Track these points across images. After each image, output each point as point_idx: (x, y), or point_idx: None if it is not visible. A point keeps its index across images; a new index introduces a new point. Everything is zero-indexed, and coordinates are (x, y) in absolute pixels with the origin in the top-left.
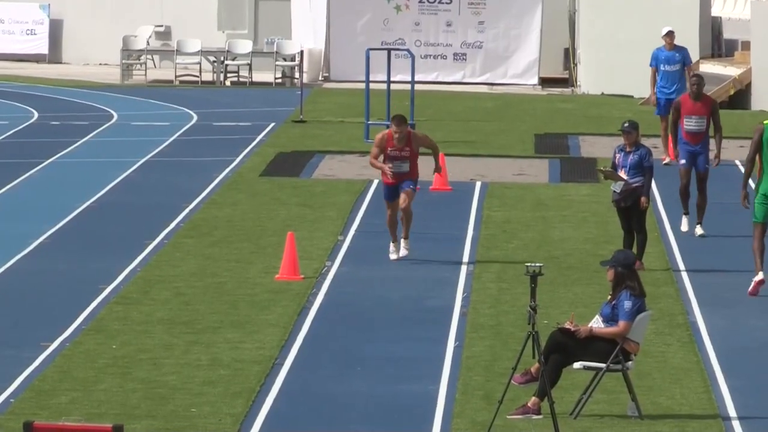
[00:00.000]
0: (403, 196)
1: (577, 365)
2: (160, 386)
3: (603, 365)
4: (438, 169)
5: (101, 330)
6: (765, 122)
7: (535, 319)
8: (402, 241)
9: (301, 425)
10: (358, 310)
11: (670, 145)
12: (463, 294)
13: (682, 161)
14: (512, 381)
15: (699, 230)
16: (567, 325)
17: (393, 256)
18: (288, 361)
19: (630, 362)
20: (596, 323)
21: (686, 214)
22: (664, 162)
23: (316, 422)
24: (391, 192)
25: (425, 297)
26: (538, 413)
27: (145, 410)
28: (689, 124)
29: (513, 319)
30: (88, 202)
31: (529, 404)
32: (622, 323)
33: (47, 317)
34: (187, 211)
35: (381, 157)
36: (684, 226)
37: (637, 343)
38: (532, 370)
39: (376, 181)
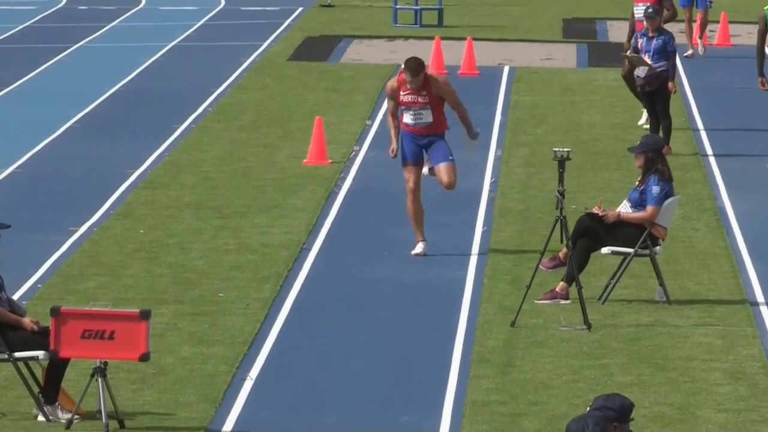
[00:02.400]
0: (443, 170)
1: (605, 250)
2: (187, 271)
3: (631, 250)
4: (473, 135)
5: (129, 215)
6: (765, 8)
7: (563, 203)
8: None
9: (328, 310)
10: (386, 194)
11: (695, 35)
12: (491, 179)
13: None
14: (540, 266)
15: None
16: (595, 210)
17: (417, 250)
18: (316, 245)
19: (658, 247)
20: (624, 208)
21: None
22: (686, 55)
23: (343, 307)
24: (411, 150)
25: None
26: (566, 298)
27: (173, 295)
28: None
29: (541, 204)
30: (116, 87)
31: (557, 289)
32: (650, 208)
33: (75, 202)
34: (214, 95)
35: (396, 110)
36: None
37: (664, 228)
38: (560, 255)
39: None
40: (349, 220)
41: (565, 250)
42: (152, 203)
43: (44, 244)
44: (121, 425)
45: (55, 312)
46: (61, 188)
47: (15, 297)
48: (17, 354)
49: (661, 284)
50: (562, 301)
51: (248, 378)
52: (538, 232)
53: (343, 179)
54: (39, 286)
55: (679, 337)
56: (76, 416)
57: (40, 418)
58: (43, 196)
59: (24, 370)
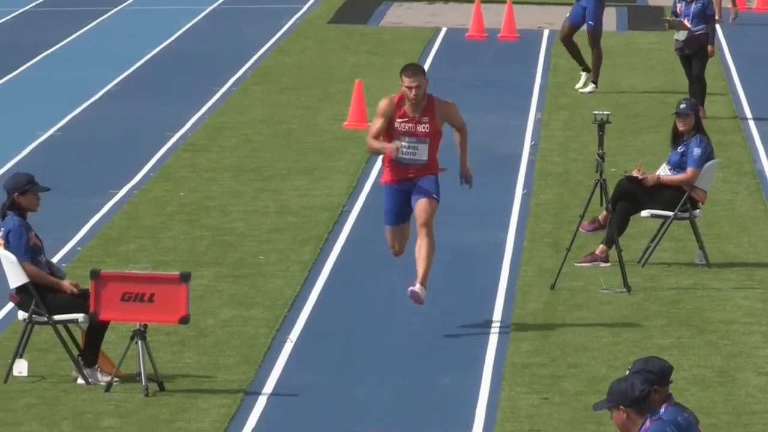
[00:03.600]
0: (421, 205)
1: (644, 213)
2: (227, 233)
3: (670, 213)
4: (467, 179)
5: (169, 177)
6: None
7: (602, 166)
8: (417, 286)
9: (368, 272)
10: None
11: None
12: (531, 142)
13: None
14: (580, 229)
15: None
16: (635, 173)
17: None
18: (356, 208)
19: (697, 210)
20: (664, 171)
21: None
22: (731, 20)
23: (383, 269)
24: (396, 206)
25: (493, 145)
26: (606, 261)
27: (213, 257)
28: None
29: (581, 166)
30: (156, 50)
31: (597, 252)
32: (690, 170)
33: (115, 165)
34: (255, 58)
35: (380, 135)
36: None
37: (704, 191)
38: (600, 218)
39: (444, 30)
40: None
41: (604, 213)
42: (192, 166)
43: (84, 207)
44: (161, 387)
45: (95, 274)
46: (101, 151)
47: (55, 260)
48: (57, 317)
49: (701, 247)
50: (602, 264)
51: (288, 340)
52: (577, 195)
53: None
54: (79, 248)
55: (719, 300)
56: (115, 379)
57: (80, 380)
58: (83, 159)
59: (63, 333)
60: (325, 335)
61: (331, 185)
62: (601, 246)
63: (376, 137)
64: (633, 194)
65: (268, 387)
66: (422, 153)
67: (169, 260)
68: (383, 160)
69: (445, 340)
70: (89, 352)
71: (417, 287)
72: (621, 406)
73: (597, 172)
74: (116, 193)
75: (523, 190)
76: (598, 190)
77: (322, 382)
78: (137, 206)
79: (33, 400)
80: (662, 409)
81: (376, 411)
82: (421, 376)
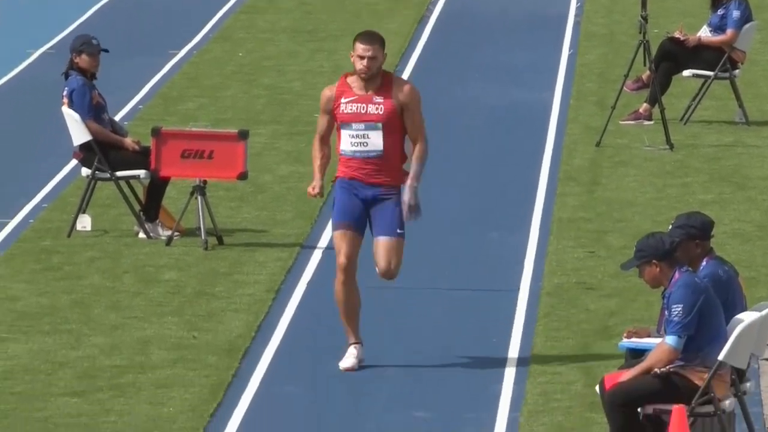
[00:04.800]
0: (382, 248)
1: (686, 73)
2: (284, 92)
3: (711, 73)
4: (410, 207)
5: (227, 38)
6: None
7: (646, 28)
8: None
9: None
10: (477, 19)
11: None
12: (576, 3)
13: None
14: (624, 88)
15: None
16: (676, 35)
17: (346, 363)
18: (408, 67)
19: (737, 70)
20: (704, 33)
21: None
22: None
23: (435, 126)
24: (345, 203)
25: (540, 6)
26: (649, 119)
27: (270, 116)
28: None
29: (625, 28)
30: None
31: (640, 110)
32: (730, 31)
33: (175, 25)
34: None
35: (327, 132)
36: None
37: (743, 52)
38: (644, 77)
39: None
40: (439, 44)
41: (648, 72)
42: (250, 27)
43: (145, 67)
44: (220, 241)
45: (156, 132)
46: (162, 12)
47: (117, 118)
48: (119, 173)
49: (741, 106)
50: (646, 122)
51: None
52: (621, 55)
53: (435, 3)
54: (140, 107)
55: (758, 156)
56: (175, 233)
57: (141, 235)
58: (144, 20)
59: (125, 189)
60: None
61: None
62: (645, 104)
63: (322, 137)
64: (675, 55)
65: (323, 241)
66: (375, 143)
67: (228, 118)
68: (337, 147)
69: (494, 195)
70: (150, 207)
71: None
72: (654, 261)
73: (640, 33)
74: (176, 54)
75: (570, 50)
76: (641, 50)
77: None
78: (197, 66)
79: (96, 254)
80: (704, 263)
81: (426, 269)
82: (472, 231)
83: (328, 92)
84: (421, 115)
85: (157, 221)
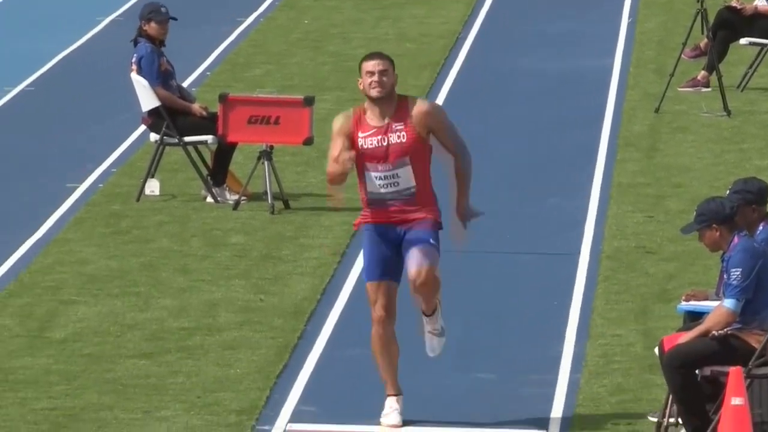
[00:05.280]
0: (414, 265)
1: (743, 41)
2: (349, 59)
3: (767, 41)
4: (468, 213)
5: (293, 6)
6: None
7: None
8: (425, 324)
9: (482, 97)
10: None
11: None
12: None
13: None
14: (682, 55)
15: None
16: (733, 4)
17: (390, 420)
18: (471, 35)
19: None
20: (761, 2)
21: None
22: None
23: (496, 94)
24: (380, 251)
25: None
26: (707, 86)
27: (335, 82)
28: None
29: None
30: None
31: (698, 77)
32: None
33: None
34: None
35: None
36: None
37: None
38: (701, 45)
39: None
40: (502, 12)
41: (705, 40)
42: None
43: (213, 34)
44: (286, 205)
45: (223, 98)
46: None
47: (185, 84)
48: (187, 138)
49: None
50: (703, 89)
51: None
52: (680, 23)
53: None
54: (208, 73)
55: None
56: (242, 197)
57: (209, 199)
58: None
59: (193, 154)
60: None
61: (447, 14)
62: (703, 72)
63: (341, 170)
64: (732, 23)
65: None
66: (406, 180)
67: (294, 85)
68: (360, 191)
69: (554, 161)
70: (218, 172)
71: (427, 329)
72: (714, 225)
73: (698, 1)
74: (243, 21)
75: (629, 18)
76: (699, 18)
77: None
78: (264, 33)
79: (164, 218)
80: (760, 227)
81: (487, 233)
82: (532, 196)
83: (343, 118)
84: (452, 126)
85: (225, 186)
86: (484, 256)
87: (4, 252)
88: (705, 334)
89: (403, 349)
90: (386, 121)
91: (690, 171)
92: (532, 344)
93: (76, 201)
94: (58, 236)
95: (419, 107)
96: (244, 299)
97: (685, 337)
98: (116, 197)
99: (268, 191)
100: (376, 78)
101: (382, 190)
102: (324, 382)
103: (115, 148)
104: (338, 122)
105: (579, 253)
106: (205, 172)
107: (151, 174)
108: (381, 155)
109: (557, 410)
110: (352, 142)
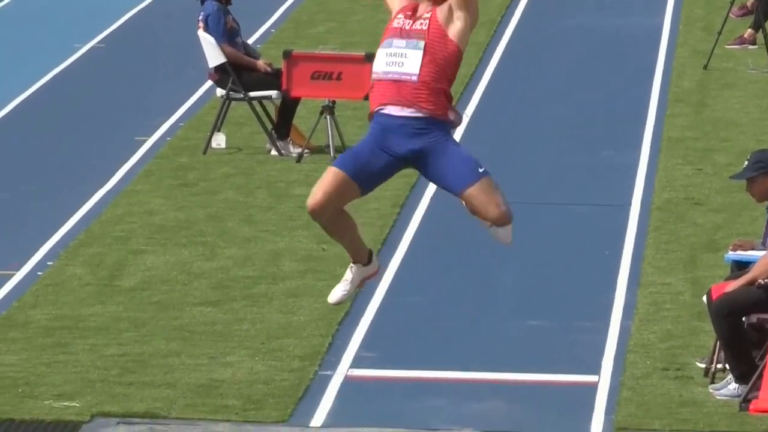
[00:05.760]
0: (479, 191)
1: None
2: None
3: None
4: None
5: None
6: None
7: None
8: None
9: (538, 54)
10: None
11: None
12: None
13: None
14: (730, 14)
15: None
16: None
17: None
18: None
19: None
20: None
21: None
22: None
23: (552, 51)
24: (364, 156)
25: None
26: (754, 44)
27: None
28: None
29: None
30: None
31: (745, 35)
32: None
33: None
34: None
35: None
36: None
37: None
38: (748, 4)
39: None
40: None
41: (752, 0)
42: None
43: None
44: None
45: (287, 55)
46: None
47: (250, 41)
48: (252, 93)
49: None
50: (750, 47)
51: (464, 115)
52: None
53: None
54: (272, 31)
55: None
56: (306, 150)
57: (273, 152)
58: None
59: (258, 109)
60: (496, 111)
61: None
62: (749, 30)
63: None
64: None
65: None
66: (411, 64)
67: (355, 42)
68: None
69: (607, 116)
70: (282, 126)
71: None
72: None
73: None
74: None
75: None
76: None
77: (494, 157)
78: None
79: (230, 170)
80: None
81: (541, 185)
82: (584, 150)
83: None
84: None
85: (288, 139)
86: (538, 207)
87: (75, 203)
88: (751, 282)
89: (459, 299)
90: (424, 9)
91: (737, 125)
92: (584, 292)
93: (145, 154)
94: (128, 188)
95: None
96: (306, 249)
97: (732, 285)
98: (184, 150)
99: (330, 144)
100: None
101: (384, 67)
102: (384, 328)
103: (183, 103)
104: None
105: (630, 204)
106: (269, 126)
107: (217, 128)
108: (401, 32)
109: (609, 356)
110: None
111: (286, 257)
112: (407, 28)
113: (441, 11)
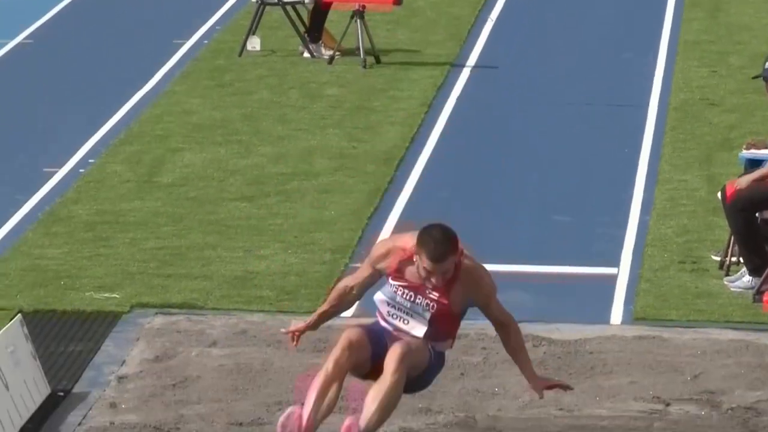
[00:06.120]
0: (398, 345)
1: None
2: None
3: None
4: (541, 382)
5: None
6: None
7: None
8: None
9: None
10: None
11: None
12: None
13: None
14: None
15: None
16: None
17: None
18: None
19: None
20: None
21: None
22: None
23: (568, 6)
24: (377, 326)
25: None
26: None
27: None
28: None
29: None
30: None
31: None
32: None
33: None
34: None
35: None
36: None
37: None
38: None
39: None
40: None
41: None
42: None
43: None
44: (377, 60)
45: None
46: None
47: None
48: None
49: None
50: None
51: (489, 19)
52: None
53: None
54: None
55: None
56: (337, 53)
57: (306, 54)
58: None
59: (292, 13)
60: (522, 13)
61: None
62: None
63: (350, 289)
64: None
65: (472, 59)
66: (415, 328)
67: None
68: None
69: (626, 20)
70: (314, 29)
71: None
72: None
73: None
74: None
75: None
76: None
77: (518, 59)
78: None
79: (264, 72)
80: None
81: (565, 86)
82: (607, 53)
83: (384, 250)
84: (495, 297)
85: (321, 42)
86: (560, 108)
87: (115, 104)
88: (764, 179)
89: (484, 195)
90: (432, 283)
91: (750, 30)
92: (604, 189)
93: (183, 56)
94: (166, 89)
95: (471, 280)
96: (338, 147)
97: (745, 179)
98: (220, 53)
99: (361, 47)
100: (434, 280)
101: (390, 319)
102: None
103: (220, 7)
104: (379, 251)
105: (648, 104)
106: (302, 29)
107: (252, 31)
108: (410, 287)
109: (628, 249)
110: (390, 268)
111: (318, 155)
112: (411, 299)
113: (457, 293)
